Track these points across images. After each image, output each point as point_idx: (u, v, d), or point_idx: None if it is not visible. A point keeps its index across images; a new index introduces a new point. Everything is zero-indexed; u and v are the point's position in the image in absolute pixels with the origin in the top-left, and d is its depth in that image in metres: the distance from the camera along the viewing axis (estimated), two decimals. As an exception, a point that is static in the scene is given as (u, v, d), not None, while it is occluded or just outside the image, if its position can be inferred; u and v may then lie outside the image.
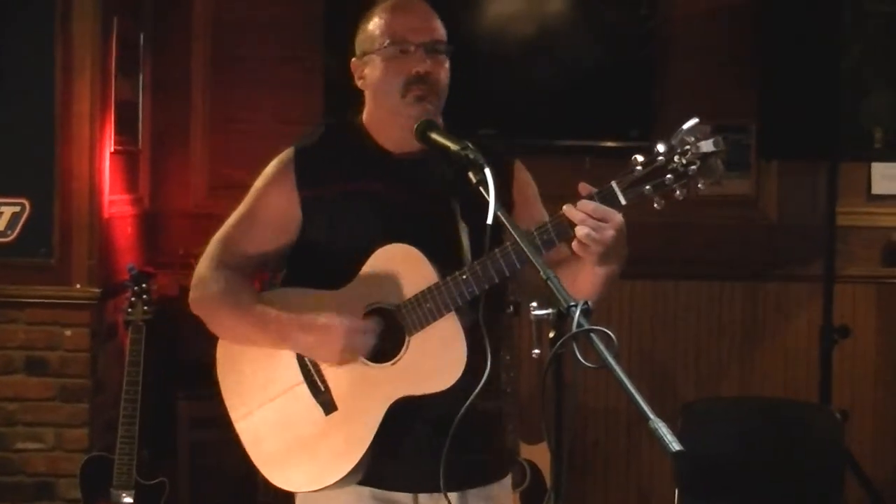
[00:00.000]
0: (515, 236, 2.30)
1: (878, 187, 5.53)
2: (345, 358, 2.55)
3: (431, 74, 2.60)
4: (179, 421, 4.91)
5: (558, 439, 2.18)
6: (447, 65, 2.65)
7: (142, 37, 5.28)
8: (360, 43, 2.69)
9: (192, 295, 2.71)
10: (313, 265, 2.67)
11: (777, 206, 5.51)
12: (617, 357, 2.00)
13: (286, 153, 2.74)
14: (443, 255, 2.51)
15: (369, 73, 2.66)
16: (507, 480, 2.76)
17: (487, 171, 2.36)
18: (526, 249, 2.27)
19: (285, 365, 2.64)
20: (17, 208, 4.64)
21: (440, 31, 2.65)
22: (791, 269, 5.50)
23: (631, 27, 5.35)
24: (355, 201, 2.64)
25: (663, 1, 5.40)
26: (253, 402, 2.67)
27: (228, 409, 2.71)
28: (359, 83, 2.70)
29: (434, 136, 2.54)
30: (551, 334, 2.11)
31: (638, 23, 5.34)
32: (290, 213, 2.68)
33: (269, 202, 2.71)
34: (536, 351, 2.12)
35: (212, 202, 5.39)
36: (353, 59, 2.70)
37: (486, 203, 2.32)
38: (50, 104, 4.64)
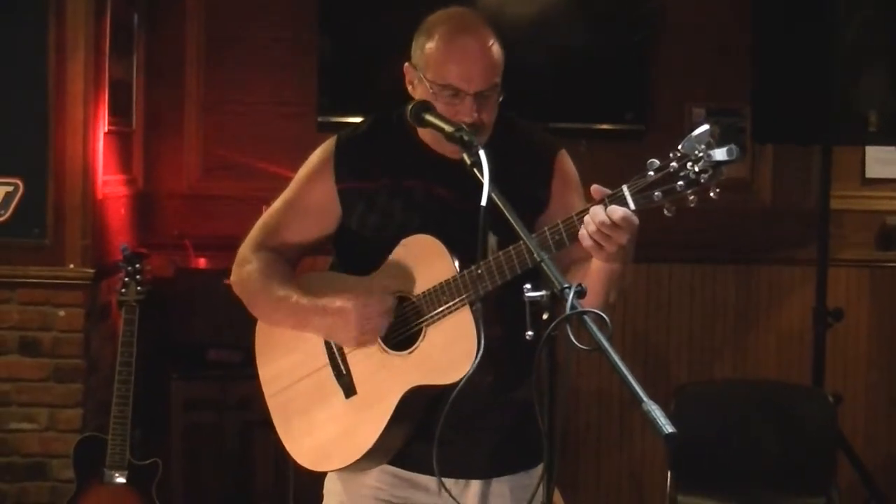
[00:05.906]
0: (509, 216, 2.29)
1: (873, 171, 5.52)
2: (362, 339, 2.58)
3: (479, 122, 2.55)
4: (172, 401, 4.91)
5: (551, 421, 2.18)
6: (497, 96, 2.59)
7: (135, 17, 5.26)
8: (415, 53, 2.61)
9: (231, 276, 2.77)
10: (354, 253, 2.70)
11: (771, 189, 5.51)
12: (610, 339, 2.00)
13: (328, 143, 2.74)
14: (475, 253, 2.43)
15: (420, 91, 2.60)
16: (537, 470, 2.66)
17: (482, 153, 2.35)
18: (518, 228, 2.27)
19: (313, 347, 2.68)
20: (11, 188, 4.63)
21: (494, 70, 2.57)
22: (785, 253, 5.50)
23: (625, 10, 5.34)
24: (396, 194, 2.64)
25: (658, -17, 5.40)
26: (283, 382, 2.73)
27: (262, 387, 2.77)
28: (408, 87, 2.64)
29: (429, 117, 2.53)
30: (545, 316, 2.12)
31: (632, 5, 5.34)
32: (328, 203, 2.70)
33: (308, 191, 2.73)
34: (530, 333, 2.12)
35: (205, 183, 5.39)
36: (407, 65, 2.63)
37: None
38: (43, 84, 4.62)
